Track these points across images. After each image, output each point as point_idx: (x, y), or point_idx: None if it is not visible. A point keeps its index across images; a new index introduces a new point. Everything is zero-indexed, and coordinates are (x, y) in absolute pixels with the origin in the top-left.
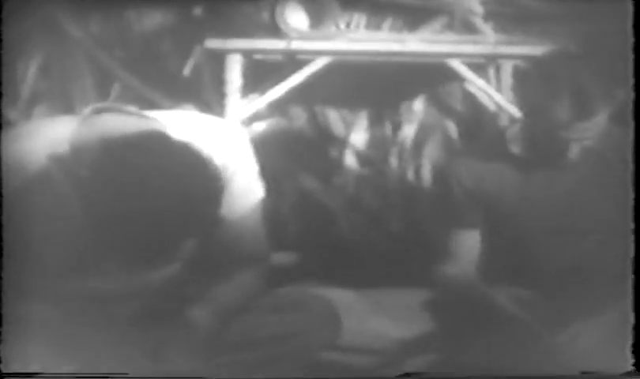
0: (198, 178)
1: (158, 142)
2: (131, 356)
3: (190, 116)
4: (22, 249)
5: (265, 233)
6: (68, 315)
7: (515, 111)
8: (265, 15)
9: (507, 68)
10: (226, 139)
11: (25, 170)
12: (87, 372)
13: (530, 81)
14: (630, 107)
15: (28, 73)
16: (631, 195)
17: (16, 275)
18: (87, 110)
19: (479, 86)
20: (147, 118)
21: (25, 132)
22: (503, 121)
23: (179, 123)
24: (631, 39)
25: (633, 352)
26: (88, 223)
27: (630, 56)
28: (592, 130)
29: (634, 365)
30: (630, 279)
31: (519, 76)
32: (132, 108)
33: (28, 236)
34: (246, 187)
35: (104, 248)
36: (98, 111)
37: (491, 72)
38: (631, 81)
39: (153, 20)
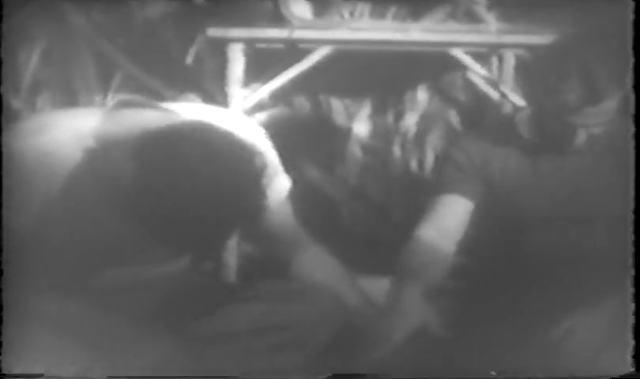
0: (240, 169)
1: (197, 135)
2: (135, 355)
3: (209, 110)
4: (25, 247)
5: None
6: (71, 315)
7: (518, 100)
8: (268, 4)
9: (510, 57)
10: (247, 132)
11: (35, 164)
12: (88, 372)
13: (539, 67)
14: (631, 101)
15: (30, 62)
16: (632, 189)
17: (18, 273)
18: (110, 103)
19: (482, 75)
20: (171, 111)
21: (40, 125)
22: (506, 110)
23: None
24: (631, 31)
25: (633, 352)
26: (120, 220)
27: (630, 47)
28: (601, 116)
29: (633, 364)
30: (630, 274)
31: (526, 63)
32: (155, 102)
33: (30, 233)
34: (273, 179)
35: (140, 243)
36: (122, 105)
37: (494, 61)
38: (631, 74)
39: (156, 8)
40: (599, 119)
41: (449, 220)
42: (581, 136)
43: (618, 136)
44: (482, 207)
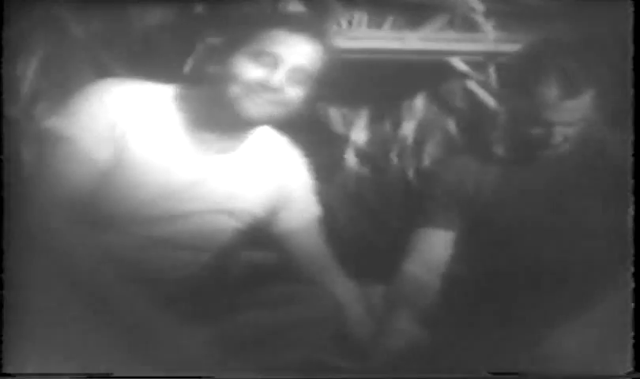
0: None
1: None
2: (130, 355)
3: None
4: (25, 244)
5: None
6: (71, 315)
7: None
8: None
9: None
10: (288, 155)
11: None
12: (87, 371)
13: (512, 71)
14: (630, 109)
15: (29, 71)
16: (630, 190)
17: (19, 273)
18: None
19: (479, 84)
20: None
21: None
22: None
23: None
24: (631, 39)
25: (633, 352)
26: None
27: (630, 53)
28: (576, 113)
29: (633, 364)
30: (629, 276)
31: (505, 65)
32: None
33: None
34: (304, 204)
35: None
36: None
37: (492, 70)
38: (630, 83)
39: (154, 17)
40: (573, 116)
41: (431, 255)
42: (558, 139)
43: (597, 140)
44: (472, 221)
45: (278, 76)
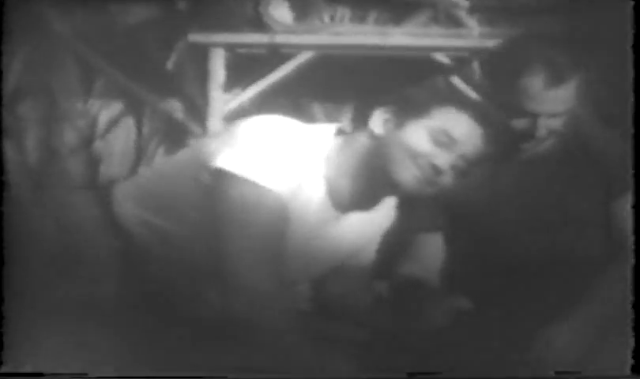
0: None
1: None
2: (129, 354)
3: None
4: (24, 248)
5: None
6: (71, 315)
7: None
8: (249, 8)
9: None
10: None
11: None
12: (86, 371)
13: (495, 63)
14: (626, 104)
15: (12, 69)
16: (629, 185)
17: (19, 272)
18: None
19: (464, 79)
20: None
21: None
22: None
23: None
24: (630, 38)
25: (633, 353)
26: None
27: (629, 48)
28: (560, 102)
29: (632, 366)
30: (628, 275)
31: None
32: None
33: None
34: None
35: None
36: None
37: (476, 65)
38: (631, 81)
39: (137, 14)
40: (557, 107)
41: (426, 257)
42: (542, 132)
43: (582, 134)
44: (461, 221)
45: (446, 159)
